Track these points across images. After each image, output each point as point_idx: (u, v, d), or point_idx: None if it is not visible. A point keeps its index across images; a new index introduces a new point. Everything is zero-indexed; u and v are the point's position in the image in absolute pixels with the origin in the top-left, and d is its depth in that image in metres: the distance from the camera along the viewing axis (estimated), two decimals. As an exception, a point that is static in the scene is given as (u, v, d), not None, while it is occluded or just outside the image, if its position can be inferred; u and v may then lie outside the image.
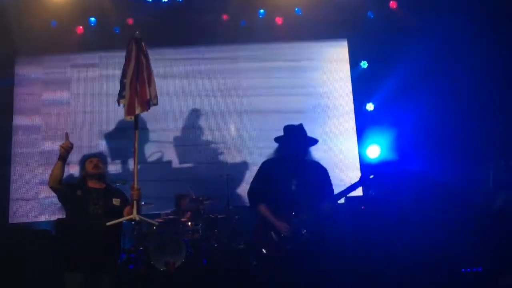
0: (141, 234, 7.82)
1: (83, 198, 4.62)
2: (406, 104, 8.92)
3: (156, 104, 4.85)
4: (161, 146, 9.64)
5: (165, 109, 9.23)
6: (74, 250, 4.52)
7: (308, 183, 4.45)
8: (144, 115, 8.49)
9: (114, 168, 9.21)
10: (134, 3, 9.40)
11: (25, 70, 9.85)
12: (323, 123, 9.51)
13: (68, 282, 4.51)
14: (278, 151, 4.71)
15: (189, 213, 8.04)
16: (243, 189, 9.30)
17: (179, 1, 9.39)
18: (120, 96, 4.78)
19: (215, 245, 7.85)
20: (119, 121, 9.07)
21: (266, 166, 4.72)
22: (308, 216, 4.31)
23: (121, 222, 4.63)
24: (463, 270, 6.78)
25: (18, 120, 9.64)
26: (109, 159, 9.28)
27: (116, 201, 4.72)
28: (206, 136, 9.70)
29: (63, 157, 4.58)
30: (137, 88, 4.72)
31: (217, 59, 9.96)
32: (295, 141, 4.59)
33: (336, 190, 4.60)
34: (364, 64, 9.76)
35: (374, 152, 9.44)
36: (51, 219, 8.48)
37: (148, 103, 4.75)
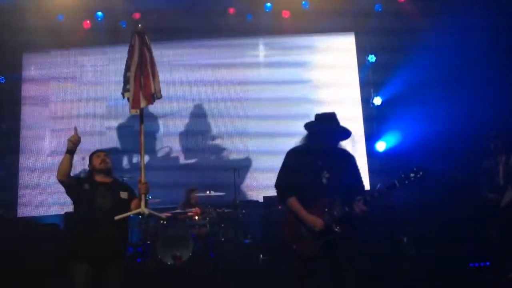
0: (149, 228, 7.84)
1: (91, 192, 4.62)
2: (414, 99, 8.87)
3: (160, 97, 4.82)
4: (168, 140, 9.66)
5: (171, 103, 9.27)
6: (82, 243, 4.53)
7: (340, 176, 4.20)
8: (151, 109, 8.73)
9: (121, 162, 9.23)
10: (140, -3, 9.40)
11: (33, 64, 9.90)
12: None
13: (75, 274, 4.51)
14: (306, 139, 4.40)
15: (198, 209, 8.06)
16: (250, 184, 9.33)
17: (185, -6, 9.38)
18: (125, 89, 4.76)
19: (222, 239, 7.86)
20: (126, 114, 9.07)
21: (294, 155, 4.41)
22: (342, 213, 4.09)
23: (128, 216, 4.63)
24: (471, 264, 6.76)
25: (26, 114, 9.70)
26: (116, 153, 9.30)
27: (123, 195, 4.72)
28: (213, 131, 9.71)
29: (71, 151, 4.59)
30: (141, 82, 4.71)
31: (224, 52, 9.95)
32: (328, 130, 4.28)
33: None
34: (371, 58, 9.71)
35: (381, 146, 9.43)
36: (59, 213, 8.52)
37: (152, 96, 4.74)
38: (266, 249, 7.26)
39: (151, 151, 9.46)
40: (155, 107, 8.45)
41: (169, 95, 8.91)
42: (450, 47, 8.80)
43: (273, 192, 8.47)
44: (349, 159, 4.40)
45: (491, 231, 6.62)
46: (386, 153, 9.34)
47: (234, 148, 9.66)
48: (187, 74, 9.79)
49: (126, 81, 4.76)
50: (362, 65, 9.81)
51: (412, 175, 4.06)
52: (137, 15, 9.44)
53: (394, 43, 9.09)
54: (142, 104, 4.70)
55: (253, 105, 9.78)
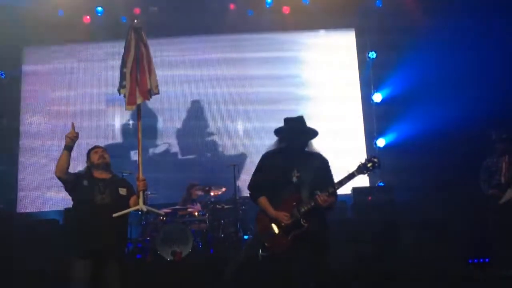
0: (148, 224, 7.86)
1: (90, 188, 4.63)
2: (414, 95, 8.86)
3: (157, 93, 4.81)
4: (167, 136, 9.66)
5: (171, 98, 9.27)
6: (81, 238, 4.54)
7: (309, 175, 4.38)
8: (150, 105, 8.72)
9: (120, 157, 9.22)
10: (141, -8, 9.40)
11: (33, 60, 9.91)
12: (329, 112, 9.47)
13: (75, 269, 4.53)
14: (278, 143, 4.62)
15: (199, 205, 8.06)
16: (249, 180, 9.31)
17: (186, -10, 9.37)
18: (121, 85, 4.75)
19: (222, 235, 7.87)
20: (125, 110, 9.06)
21: (266, 158, 4.64)
22: (308, 207, 4.25)
23: (127, 212, 4.64)
24: (470, 261, 6.77)
25: (26, 109, 9.70)
26: (115, 149, 9.30)
27: (122, 191, 4.72)
28: (213, 126, 9.72)
29: (69, 147, 4.59)
30: (138, 78, 4.69)
31: (224, 48, 9.94)
32: (296, 133, 4.50)
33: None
34: (372, 55, 9.69)
35: (381, 143, 9.44)
36: (59, 209, 8.53)
37: (149, 93, 4.72)
38: (266, 245, 7.24)
39: (150, 147, 9.46)
40: (154, 103, 8.50)
41: (168, 91, 8.98)
42: (450, 43, 8.77)
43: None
44: (319, 159, 4.56)
45: (489, 226, 6.65)
46: (385, 149, 9.34)
47: (234, 144, 9.66)
48: (187, 70, 9.78)
49: (122, 77, 4.74)
50: (363, 61, 9.80)
51: (369, 165, 4.34)
52: (137, 10, 9.43)
53: (394, 40, 9.08)
54: (138, 100, 4.69)
55: (254, 101, 9.76)
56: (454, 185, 7.93)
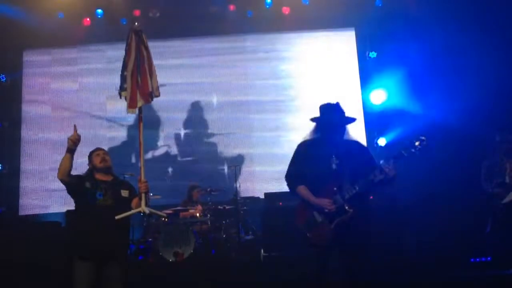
0: (150, 226, 7.87)
1: (92, 190, 4.64)
2: (415, 94, 8.86)
3: (158, 95, 4.80)
4: (168, 138, 9.68)
5: (171, 100, 9.28)
6: (84, 240, 4.55)
7: (349, 162, 4.22)
8: (151, 106, 8.73)
9: (122, 159, 9.23)
10: (140, -6, 9.41)
11: (33, 62, 9.92)
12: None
13: (77, 271, 4.54)
14: (314, 132, 4.44)
15: (200, 207, 8.08)
16: (251, 180, 9.33)
17: (186, -9, 9.38)
18: (122, 88, 4.74)
19: (224, 235, 7.88)
20: (126, 112, 9.08)
21: (302, 148, 4.46)
22: (351, 193, 4.09)
23: (129, 215, 4.65)
24: (472, 260, 6.76)
25: (27, 113, 9.72)
26: (117, 151, 9.31)
27: (124, 193, 4.72)
28: (214, 127, 9.72)
29: (71, 149, 4.59)
30: (139, 80, 4.69)
31: (224, 49, 9.95)
32: (333, 121, 4.35)
33: None
34: (372, 54, 9.69)
35: (382, 142, 9.44)
36: (61, 211, 8.54)
37: (150, 95, 4.72)
38: (268, 245, 7.27)
39: (152, 148, 9.47)
40: (155, 104, 8.51)
41: (169, 92, 8.97)
42: (451, 43, 8.76)
43: (274, 189, 8.51)
44: (359, 148, 4.45)
45: (492, 225, 6.65)
46: (386, 148, 9.33)
47: (236, 145, 9.66)
48: (187, 71, 9.81)
49: (123, 80, 4.74)
50: (363, 61, 9.79)
51: (417, 143, 4.14)
52: (137, 12, 9.45)
53: (394, 39, 9.08)
54: (139, 103, 4.68)
55: (254, 101, 9.77)
56: (457, 183, 7.93)
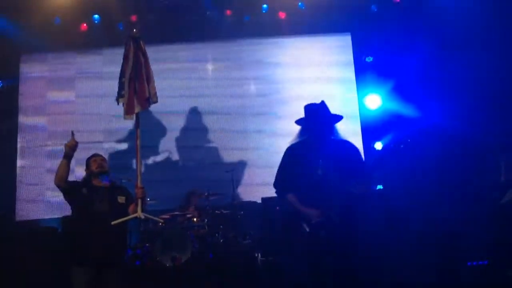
0: (148, 231, 7.86)
1: (89, 196, 4.65)
2: (411, 98, 8.88)
3: (155, 101, 4.82)
4: (166, 142, 9.67)
5: (168, 104, 9.27)
6: (81, 246, 4.56)
7: (336, 165, 4.13)
8: (149, 111, 8.70)
9: (119, 166, 9.22)
10: (137, -1, 9.41)
11: (30, 68, 9.91)
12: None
13: (75, 277, 4.54)
14: (301, 134, 4.40)
15: (197, 211, 8.08)
16: (248, 185, 9.33)
17: (182, -3, 9.40)
18: (119, 95, 4.76)
19: (221, 240, 7.88)
20: (124, 119, 9.09)
21: (290, 152, 4.39)
22: (338, 201, 4.03)
23: (125, 220, 4.65)
24: (469, 263, 6.77)
25: (23, 118, 9.71)
26: (114, 157, 9.31)
27: (121, 199, 4.74)
28: (211, 132, 9.70)
29: (69, 156, 4.61)
30: (136, 87, 4.71)
31: (221, 53, 9.97)
32: (318, 121, 4.27)
33: None
34: (369, 59, 9.72)
35: (378, 146, 9.46)
36: (57, 217, 8.53)
37: (147, 101, 4.74)
38: (265, 250, 7.28)
39: (149, 153, 9.45)
40: (152, 109, 8.49)
41: (166, 97, 8.97)
42: (447, 47, 8.80)
43: (271, 193, 8.47)
44: (347, 148, 4.36)
45: (489, 227, 6.66)
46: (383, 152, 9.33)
47: (233, 149, 9.65)
48: (184, 75, 9.80)
49: (121, 86, 4.76)
50: (359, 65, 9.81)
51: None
52: (134, 18, 9.45)
53: (390, 44, 9.10)
54: (136, 109, 4.71)
55: (251, 106, 9.78)
56: (454, 186, 7.94)
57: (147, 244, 7.63)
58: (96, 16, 9.50)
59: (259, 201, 8.67)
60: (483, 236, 6.73)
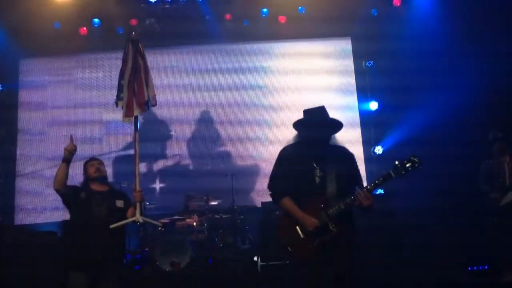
0: (147, 235, 7.84)
1: (87, 201, 4.63)
2: (411, 102, 8.87)
3: (154, 105, 4.82)
4: (165, 146, 9.66)
5: (167, 109, 9.27)
6: (79, 250, 4.54)
7: (334, 172, 4.03)
8: (148, 115, 8.71)
9: (118, 169, 9.21)
10: (137, 3, 9.39)
11: (30, 71, 9.90)
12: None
13: (73, 282, 4.53)
14: (298, 137, 4.27)
15: (196, 216, 8.05)
16: (248, 189, 9.31)
17: (182, 1, 9.38)
18: (118, 98, 4.76)
19: (220, 245, 7.86)
20: (123, 121, 9.07)
21: (286, 154, 4.26)
22: (337, 209, 3.91)
23: (124, 224, 4.63)
24: (469, 268, 6.75)
25: (23, 121, 9.70)
26: (113, 160, 9.29)
27: (119, 203, 4.72)
28: (211, 136, 9.70)
29: (68, 160, 4.60)
30: (135, 89, 4.71)
31: (221, 58, 9.96)
32: (316, 125, 4.16)
33: None
34: (369, 63, 9.71)
35: (378, 150, 9.45)
36: (56, 221, 8.50)
37: (146, 104, 4.73)
38: (265, 255, 7.25)
39: (148, 157, 9.43)
40: (151, 113, 8.50)
41: (166, 101, 8.96)
42: (446, 50, 8.80)
43: (270, 198, 8.42)
44: (344, 154, 4.26)
45: (489, 230, 6.64)
46: (383, 157, 9.33)
47: (232, 154, 9.65)
48: (184, 80, 9.79)
49: (120, 89, 4.76)
50: (359, 69, 9.81)
51: (408, 165, 3.90)
52: (134, 22, 9.45)
53: (391, 48, 9.10)
54: (136, 112, 4.70)
55: (251, 110, 9.77)
56: (454, 191, 7.94)
57: (146, 249, 7.61)
58: (96, 20, 9.49)
59: (259, 205, 8.66)
60: (483, 241, 6.72)
